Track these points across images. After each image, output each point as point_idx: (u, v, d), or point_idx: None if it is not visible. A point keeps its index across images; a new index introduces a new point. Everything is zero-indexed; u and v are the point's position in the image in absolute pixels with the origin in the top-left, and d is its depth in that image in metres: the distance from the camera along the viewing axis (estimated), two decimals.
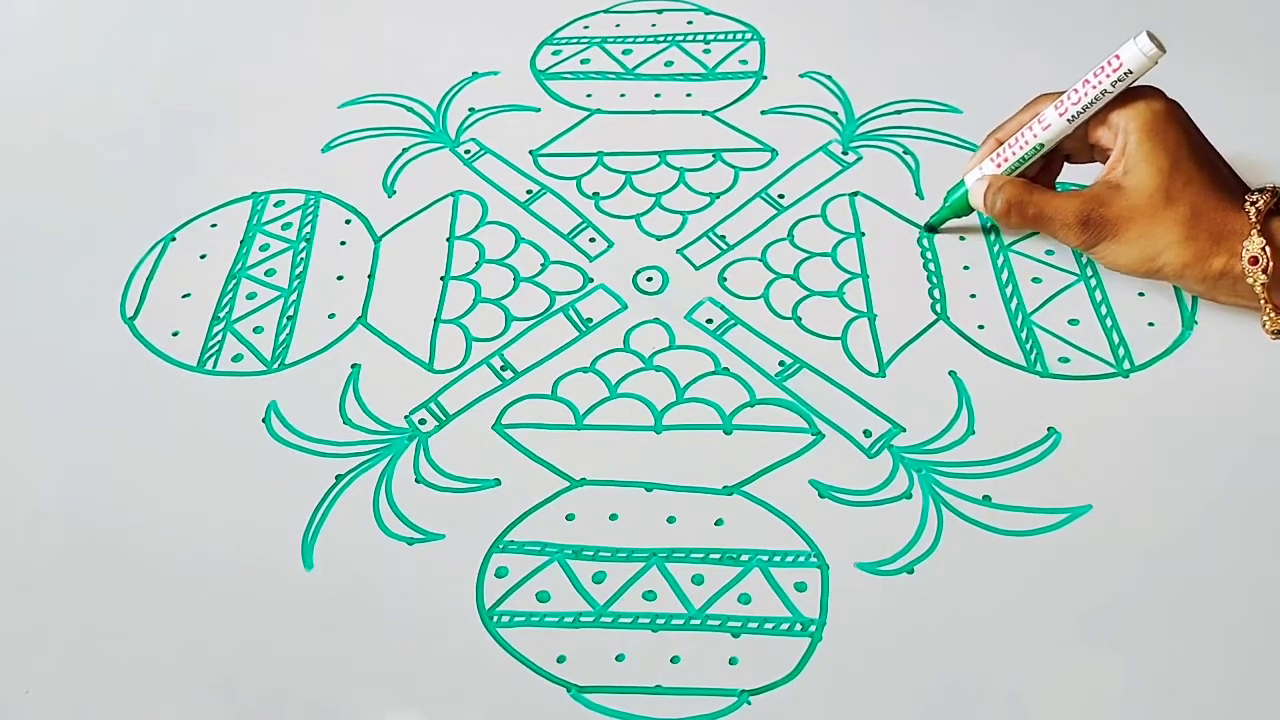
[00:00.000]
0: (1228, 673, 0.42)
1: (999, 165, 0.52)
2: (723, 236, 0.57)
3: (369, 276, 0.57)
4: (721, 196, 0.59)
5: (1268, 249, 0.46)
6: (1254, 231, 0.46)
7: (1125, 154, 0.49)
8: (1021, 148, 0.51)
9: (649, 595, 0.45)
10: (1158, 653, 0.42)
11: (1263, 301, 0.47)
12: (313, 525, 0.47)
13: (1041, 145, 0.51)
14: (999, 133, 0.53)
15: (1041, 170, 0.53)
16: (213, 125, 0.65)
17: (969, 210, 0.54)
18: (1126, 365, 0.51)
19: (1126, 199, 0.48)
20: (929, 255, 0.56)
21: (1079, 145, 0.52)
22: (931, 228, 0.56)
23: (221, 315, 0.55)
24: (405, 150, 0.63)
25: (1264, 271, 0.46)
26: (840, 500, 0.47)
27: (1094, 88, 0.49)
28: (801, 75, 0.65)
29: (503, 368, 0.52)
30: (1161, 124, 0.48)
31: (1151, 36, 0.47)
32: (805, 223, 0.58)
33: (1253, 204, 0.47)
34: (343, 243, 0.58)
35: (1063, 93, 0.50)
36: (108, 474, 0.49)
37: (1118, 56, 0.48)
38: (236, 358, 0.53)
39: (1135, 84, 0.49)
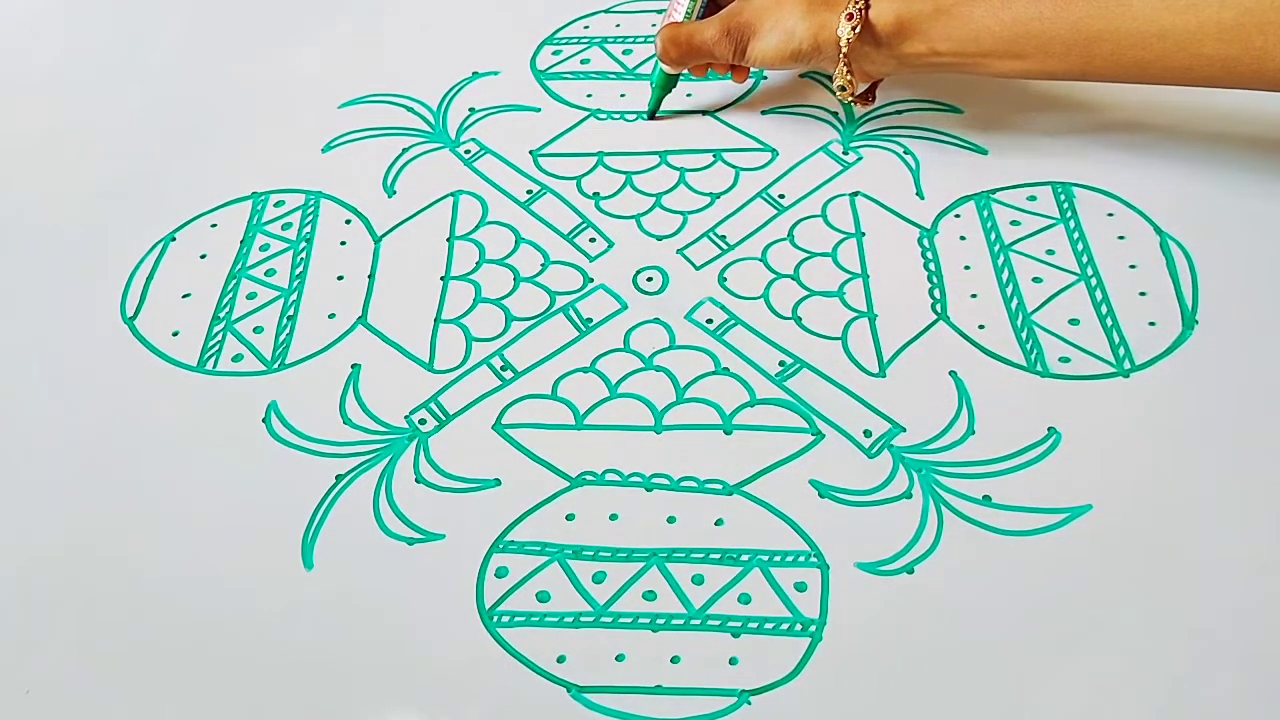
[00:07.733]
0: (1227, 672, 0.42)
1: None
2: (723, 236, 0.57)
3: (369, 276, 0.57)
4: (722, 196, 0.59)
5: (864, 11, 0.53)
6: None
7: None
8: (681, 2, 0.60)
9: (649, 595, 0.45)
10: (1158, 653, 0.42)
11: (842, 58, 0.54)
12: (313, 525, 0.47)
13: None
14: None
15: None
16: (213, 125, 0.65)
17: (674, 83, 0.62)
18: (1126, 365, 0.51)
19: (753, 2, 0.57)
20: (929, 255, 0.56)
21: None
22: (652, 114, 0.63)
23: (221, 315, 0.55)
24: (405, 150, 0.63)
25: (853, 29, 0.53)
26: (840, 500, 0.47)
27: None
28: (801, 75, 0.65)
29: (503, 368, 0.52)
30: None
31: None
32: (805, 223, 0.58)
33: None
34: (343, 243, 0.58)
35: None
36: (108, 474, 0.49)
37: None
38: (236, 358, 0.53)
39: None
